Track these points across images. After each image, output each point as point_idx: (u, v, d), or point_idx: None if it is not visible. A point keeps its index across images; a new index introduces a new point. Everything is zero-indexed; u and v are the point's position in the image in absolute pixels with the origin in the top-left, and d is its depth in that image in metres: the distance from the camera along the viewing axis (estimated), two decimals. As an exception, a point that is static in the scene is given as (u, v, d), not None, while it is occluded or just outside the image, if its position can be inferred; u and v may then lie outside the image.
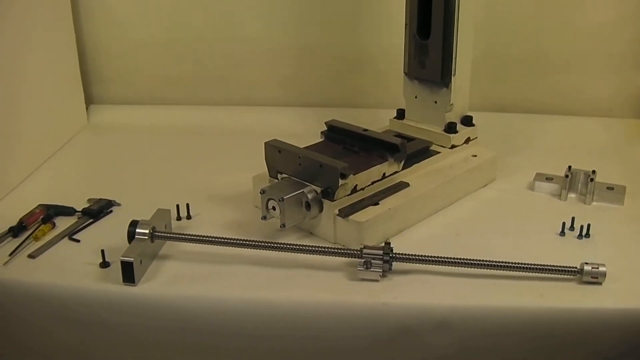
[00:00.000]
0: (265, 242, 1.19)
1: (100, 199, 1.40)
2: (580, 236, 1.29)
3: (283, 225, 1.23)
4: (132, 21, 1.87)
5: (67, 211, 1.36)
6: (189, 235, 1.21)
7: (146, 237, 1.18)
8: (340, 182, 1.23)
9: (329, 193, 1.25)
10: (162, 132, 1.80)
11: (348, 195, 1.27)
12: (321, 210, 1.26)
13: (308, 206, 1.25)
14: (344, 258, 1.18)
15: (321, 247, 1.18)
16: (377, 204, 1.28)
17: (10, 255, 1.22)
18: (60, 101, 1.75)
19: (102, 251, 1.19)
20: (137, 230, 1.18)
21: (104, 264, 1.19)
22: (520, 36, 1.84)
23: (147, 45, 1.88)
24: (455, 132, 1.49)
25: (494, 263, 1.15)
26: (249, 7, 1.85)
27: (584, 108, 1.87)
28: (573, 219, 1.31)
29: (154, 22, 1.87)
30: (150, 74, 1.92)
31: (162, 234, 1.20)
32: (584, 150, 1.67)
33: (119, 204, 1.40)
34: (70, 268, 1.19)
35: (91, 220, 1.35)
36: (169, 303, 1.13)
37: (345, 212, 1.24)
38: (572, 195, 1.45)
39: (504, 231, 1.32)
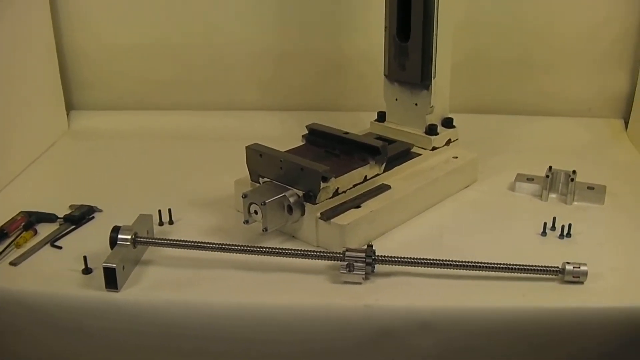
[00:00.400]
0: (248, 246, 1.19)
1: (82, 205, 1.39)
2: (561, 236, 1.30)
3: (265, 229, 1.23)
4: (113, 25, 1.87)
5: (49, 218, 1.36)
6: (171, 240, 1.21)
7: (128, 243, 1.18)
8: (322, 185, 1.23)
9: (310, 196, 1.25)
10: (143, 137, 1.80)
11: (330, 198, 1.27)
12: (303, 213, 1.26)
13: (290, 210, 1.25)
14: (326, 261, 1.18)
15: (304, 250, 1.18)
16: (358, 206, 1.28)
17: (-9, 262, 1.21)
18: (41, 107, 1.74)
19: (85, 257, 1.18)
20: (119, 236, 1.18)
21: (87, 270, 1.18)
22: (501, 37, 1.85)
23: (128, 50, 1.88)
24: (436, 134, 1.49)
25: (477, 264, 1.16)
26: (229, 12, 1.85)
27: (564, 108, 1.88)
28: (554, 219, 1.32)
29: (135, 26, 1.87)
30: (131, 79, 1.91)
31: (144, 240, 1.20)
32: (564, 151, 1.69)
33: (100, 210, 1.40)
34: (53, 275, 1.19)
35: (73, 226, 1.34)
36: (152, 308, 1.13)
37: (327, 215, 1.24)
38: (553, 195, 1.46)
39: (486, 232, 1.33)
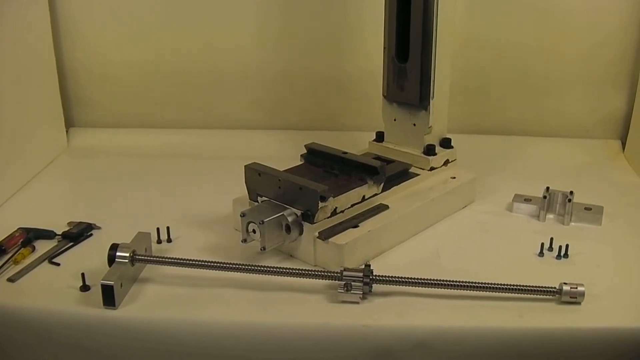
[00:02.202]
0: (246, 265, 1.19)
1: (80, 222, 1.39)
2: (558, 256, 1.30)
3: (263, 248, 1.22)
4: (113, 43, 1.87)
5: (47, 234, 1.35)
6: (169, 258, 1.21)
7: (126, 261, 1.17)
8: (320, 204, 1.23)
9: (309, 216, 1.25)
10: (142, 155, 1.80)
11: (328, 217, 1.27)
12: (301, 233, 1.26)
13: (288, 229, 1.25)
14: (324, 280, 1.18)
15: (301, 269, 1.18)
16: (356, 226, 1.28)
17: (-11, 279, 1.21)
18: (40, 124, 1.74)
19: (83, 274, 1.18)
20: (118, 253, 1.18)
21: (84, 288, 1.18)
22: (499, 58, 1.85)
23: (128, 67, 1.88)
24: (434, 154, 1.50)
25: (474, 284, 1.16)
26: (229, 31, 1.86)
27: (562, 129, 1.89)
28: (551, 239, 1.32)
29: (135, 44, 1.87)
30: (131, 97, 1.91)
31: (143, 257, 1.20)
32: (562, 172, 1.69)
33: (99, 228, 1.40)
34: (51, 292, 1.18)
35: (71, 243, 1.34)
36: (149, 326, 1.13)
37: (325, 235, 1.24)
38: (550, 216, 1.46)
39: (483, 252, 1.33)
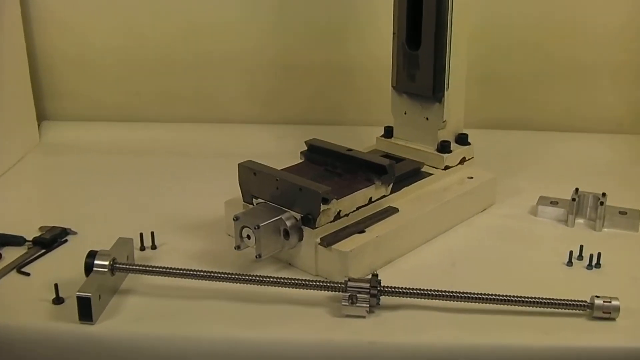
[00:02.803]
0: (239, 274, 1.18)
1: (54, 227, 1.39)
2: (589, 266, 1.29)
3: (259, 256, 1.22)
4: (91, 29, 1.87)
5: (16, 241, 1.35)
6: (153, 267, 1.20)
7: (106, 270, 1.17)
8: (322, 207, 1.23)
9: (309, 220, 1.25)
10: (124, 152, 1.80)
11: (331, 222, 1.27)
12: (301, 238, 1.26)
13: (286, 234, 1.25)
14: (326, 292, 1.18)
15: (301, 279, 1.18)
16: (363, 231, 1.28)
17: (-49, 290, 1.21)
18: (9, 117, 1.74)
19: (56, 285, 1.18)
20: (96, 261, 1.17)
21: (58, 300, 1.18)
22: (521, 45, 1.85)
23: (108, 55, 1.88)
24: (449, 151, 1.49)
25: (493, 297, 1.15)
26: (223, 15, 1.86)
27: (591, 124, 1.89)
28: (581, 247, 1.32)
29: (116, 26, 1.87)
30: (111, 88, 1.91)
31: (124, 266, 1.19)
32: (592, 171, 1.69)
33: (74, 233, 1.40)
34: (20, 305, 1.18)
35: (43, 251, 1.34)
36: (131, 343, 1.12)
37: (327, 241, 1.24)
38: (580, 220, 1.46)
39: (505, 261, 1.32)
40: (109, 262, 1.18)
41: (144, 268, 1.21)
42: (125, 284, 1.23)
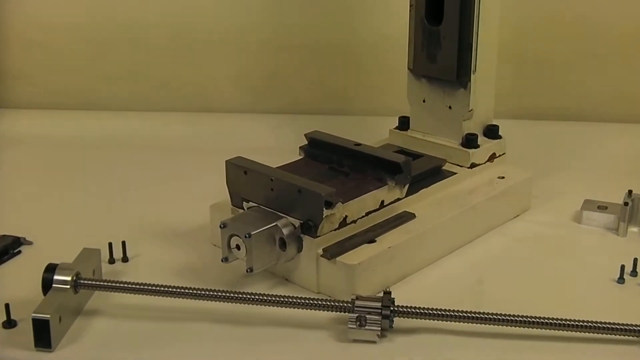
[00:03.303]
0: (227, 292, 1.19)
1: (5, 235, 1.39)
2: (644, 283, 1.30)
3: (250, 269, 1.22)
4: (50, 3, 1.87)
5: (-40, 252, 1.36)
6: (125, 283, 1.20)
7: (67, 287, 1.17)
8: (325, 212, 1.23)
9: (310, 227, 1.25)
10: (89, 145, 1.81)
11: (335, 230, 1.27)
12: (300, 249, 1.26)
13: (283, 244, 1.25)
14: (330, 312, 1.18)
15: (300, 298, 1.18)
16: (373, 241, 1.28)
17: None
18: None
19: (7, 305, 1.18)
20: (55, 277, 1.17)
21: (9, 323, 1.18)
22: (563, 18, 1.85)
23: (69, 31, 1.89)
24: (477, 146, 1.50)
25: (528, 319, 1.15)
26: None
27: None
28: (635, 260, 1.32)
29: (79, 3, 1.87)
30: (73, 70, 1.92)
31: (89, 282, 1.20)
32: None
33: (30, 242, 1.40)
34: (-36, 328, 1.18)
35: (-7, 263, 1.35)
36: (97, 373, 1.13)
37: (331, 252, 1.24)
38: (633, 229, 1.46)
39: (542, 277, 1.33)
40: (72, 278, 1.18)
41: (113, 284, 1.21)
42: (90, 303, 1.24)
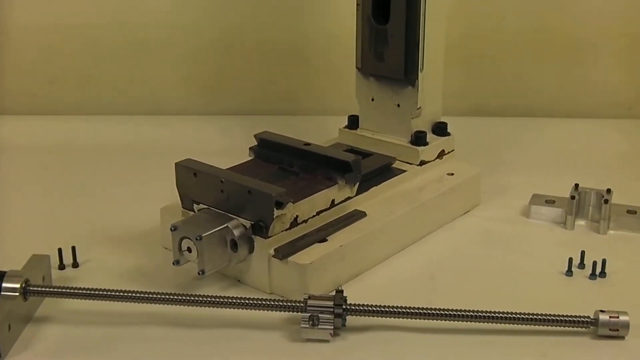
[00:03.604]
0: (179, 294, 1.18)
1: (-47, 242, 1.38)
2: (593, 276, 1.31)
3: (202, 272, 1.22)
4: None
5: None
6: (75, 289, 1.19)
7: (17, 294, 1.16)
8: (276, 212, 1.23)
9: (261, 228, 1.25)
10: (36, 149, 1.79)
11: (286, 230, 1.27)
12: (252, 250, 1.26)
13: (234, 245, 1.25)
14: (283, 312, 1.18)
15: (253, 299, 1.17)
16: (324, 240, 1.29)
17: None
18: None
19: (-45, 314, 1.17)
20: (4, 284, 1.16)
21: (-42, 332, 1.17)
22: (510, 14, 1.86)
23: (16, 36, 1.87)
24: (426, 143, 1.50)
25: (480, 314, 1.16)
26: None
27: (593, 108, 1.90)
28: (583, 253, 1.33)
29: (26, 5, 1.86)
30: (22, 73, 1.90)
31: (39, 289, 1.19)
32: (595, 163, 1.70)
33: (-22, 249, 1.39)
34: None
35: (-62, 271, 1.33)
36: (49, 381, 1.12)
37: (283, 252, 1.24)
38: (580, 222, 1.47)
39: (493, 272, 1.33)
40: (21, 285, 1.16)
41: (63, 290, 1.19)
42: (40, 310, 1.23)
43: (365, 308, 1.16)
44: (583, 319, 1.15)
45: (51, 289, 1.20)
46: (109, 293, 1.18)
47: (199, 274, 1.22)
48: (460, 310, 1.16)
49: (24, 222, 1.49)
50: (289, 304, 1.17)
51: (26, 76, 1.90)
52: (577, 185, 1.47)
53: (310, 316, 1.15)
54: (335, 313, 1.15)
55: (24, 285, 1.17)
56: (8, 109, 1.90)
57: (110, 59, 1.90)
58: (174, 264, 1.25)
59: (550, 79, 1.89)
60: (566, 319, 1.15)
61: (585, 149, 1.78)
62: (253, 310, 1.17)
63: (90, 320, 1.20)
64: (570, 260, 1.32)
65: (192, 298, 1.18)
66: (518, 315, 1.15)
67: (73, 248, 1.35)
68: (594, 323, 1.15)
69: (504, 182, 1.60)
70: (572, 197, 1.45)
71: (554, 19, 1.85)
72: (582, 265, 1.32)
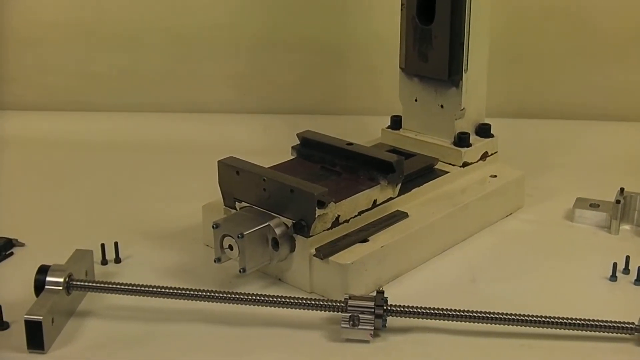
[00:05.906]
0: (220, 292, 1.19)
1: (-2, 236, 1.40)
2: (637, 281, 1.30)
3: (243, 270, 1.23)
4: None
5: (-50, 254, 1.36)
6: (117, 284, 1.20)
7: (60, 288, 1.17)
8: (318, 212, 1.24)
9: (302, 227, 1.25)
10: (79, 147, 1.80)
11: (328, 229, 1.27)
12: (293, 249, 1.26)
13: (276, 244, 1.25)
14: (323, 312, 1.18)
15: (293, 298, 1.18)
16: (366, 240, 1.29)
17: None
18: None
19: None
20: (48, 278, 1.17)
21: (1, 325, 1.18)
22: (557, 15, 1.85)
23: (56, 30, 1.88)
24: (469, 145, 1.50)
25: (521, 318, 1.16)
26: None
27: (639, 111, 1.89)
28: (628, 258, 1.32)
29: (71, 1, 1.87)
30: (67, 71, 1.91)
31: (82, 283, 1.20)
32: (640, 167, 1.69)
33: (22, 244, 1.40)
34: (-44, 330, 1.19)
35: (-15, 265, 1.35)
36: (91, 375, 1.13)
37: (324, 252, 1.25)
38: (625, 226, 1.46)
39: (535, 276, 1.33)
40: (64, 279, 1.18)
41: (106, 286, 1.21)
42: (83, 304, 1.24)
43: (406, 309, 1.17)
44: (627, 325, 1.15)
45: (94, 284, 1.21)
46: (151, 289, 1.19)
47: (239, 271, 1.23)
48: (501, 314, 1.16)
49: (69, 217, 1.50)
50: (330, 303, 1.17)
51: (68, 73, 1.91)
52: (622, 190, 1.46)
53: (350, 316, 1.15)
54: (376, 314, 1.15)
55: (67, 279, 1.18)
56: (53, 105, 1.91)
57: (152, 57, 1.91)
58: (215, 261, 1.25)
59: (597, 81, 1.88)
60: (609, 324, 1.15)
61: (631, 153, 1.77)
62: (293, 309, 1.18)
63: (131, 316, 1.21)
64: (615, 265, 1.31)
65: (233, 296, 1.19)
66: (559, 320, 1.15)
67: (116, 244, 1.36)
68: (638, 329, 1.14)
69: (548, 185, 1.60)
70: (617, 201, 1.45)
71: (606, 15, 1.83)
72: (626, 270, 1.32)
